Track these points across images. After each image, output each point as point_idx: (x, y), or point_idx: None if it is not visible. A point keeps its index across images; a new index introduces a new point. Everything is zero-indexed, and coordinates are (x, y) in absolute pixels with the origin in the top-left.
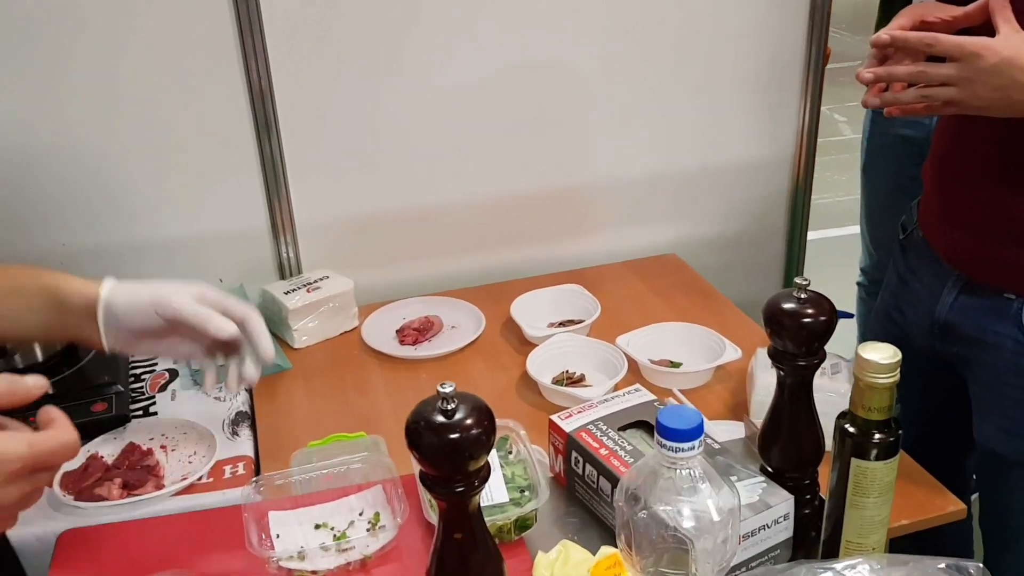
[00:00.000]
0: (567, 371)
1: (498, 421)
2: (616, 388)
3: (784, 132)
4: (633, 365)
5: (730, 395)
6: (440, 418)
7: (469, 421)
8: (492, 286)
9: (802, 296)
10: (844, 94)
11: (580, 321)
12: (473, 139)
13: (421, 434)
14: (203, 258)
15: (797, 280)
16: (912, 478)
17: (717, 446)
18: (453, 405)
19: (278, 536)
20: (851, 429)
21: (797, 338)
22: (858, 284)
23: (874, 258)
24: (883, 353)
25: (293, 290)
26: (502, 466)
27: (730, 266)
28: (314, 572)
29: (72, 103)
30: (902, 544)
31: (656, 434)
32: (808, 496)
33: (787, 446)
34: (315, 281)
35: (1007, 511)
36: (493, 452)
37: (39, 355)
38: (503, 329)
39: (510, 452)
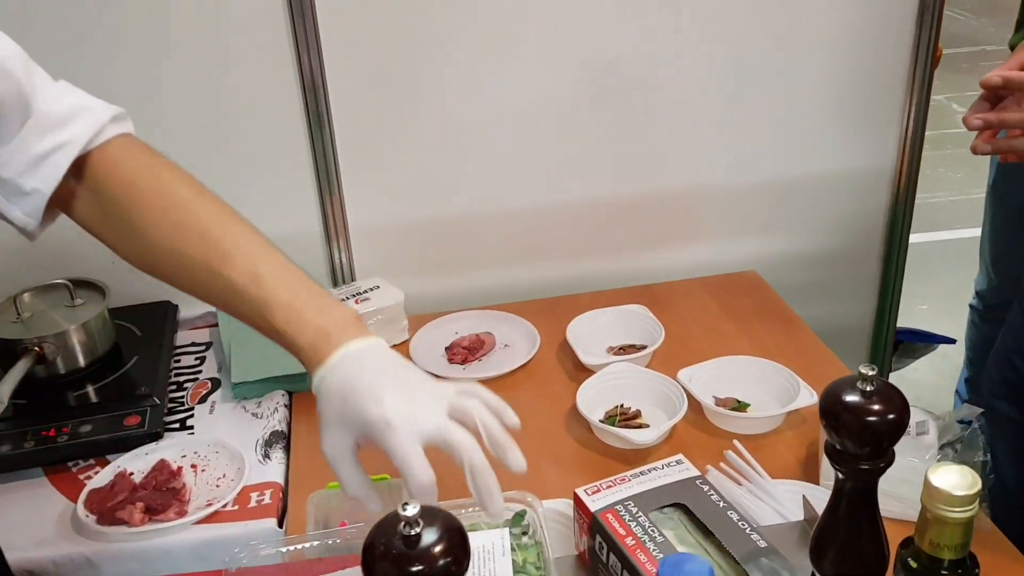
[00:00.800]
0: (621, 406)
1: (515, 493)
2: (674, 430)
3: (884, 142)
4: (695, 404)
5: (801, 445)
6: (401, 545)
7: (437, 549)
8: (552, 300)
9: (868, 388)
10: (963, 81)
11: (642, 347)
12: (536, 144)
13: (376, 564)
14: None
15: (862, 369)
16: (981, 539)
17: (764, 544)
18: (417, 529)
19: None
20: (914, 565)
21: (859, 439)
22: (971, 307)
23: (994, 283)
24: (960, 480)
25: (342, 299)
26: (514, 549)
27: (816, 286)
28: None
29: (119, 95)
30: None
31: None
32: None
33: (843, 558)
34: (365, 291)
35: None
36: (504, 532)
37: (81, 361)
38: (559, 351)
39: (525, 533)
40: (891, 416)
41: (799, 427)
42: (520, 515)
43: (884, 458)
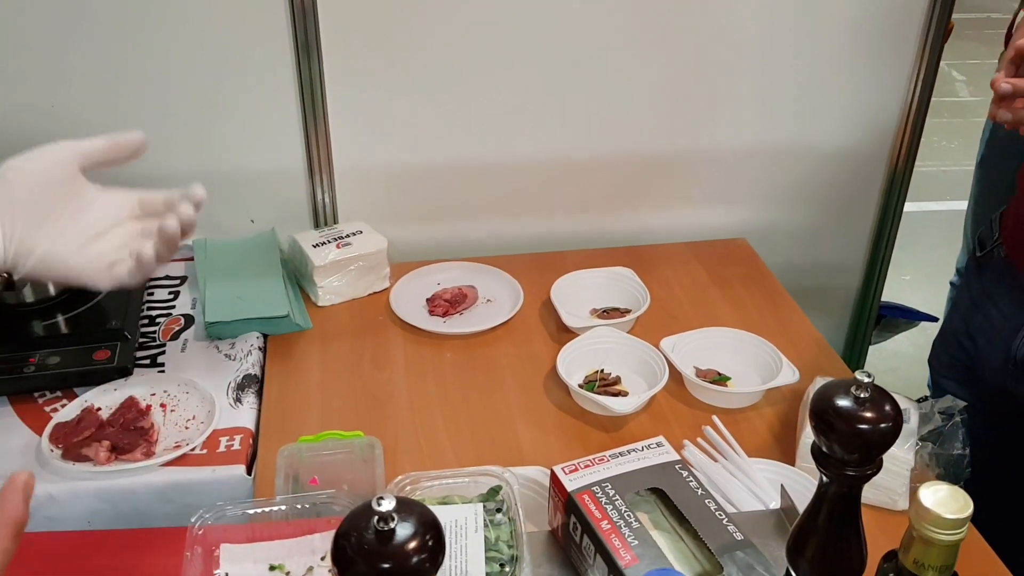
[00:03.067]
0: (601, 371)
1: (490, 468)
2: (653, 400)
3: (886, 113)
4: (676, 373)
5: (780, 423)
6: (373, 540)
7: (411, 545)
8: (538, 255)
9: (862, 395)
10: (966, 49)
11: (626, 311)
12: (532, 93)
13: (347, 557)
14: (235, 197)
15: (859, 375)
16: (967, 550)
17: (740, 537)
18: (392, 524)
19: (226, 574)
20: None
21: (849, 445)
22: (951, 284)
23: None
24: (951, 501)
25: (323, 243)
26: (486, 525)
27: (805, 256)
28: None
29: (100, 23)
30: None
31: None
32: None
33: (820, 561)
34: (347, 236)
35: None
36: (479, 507)
37: (51, 289)
38: (542, 309)
39: (499, 509)
40: (883, 425)
41: (779, 404)
42: (495, 490)
43: (872, 465)
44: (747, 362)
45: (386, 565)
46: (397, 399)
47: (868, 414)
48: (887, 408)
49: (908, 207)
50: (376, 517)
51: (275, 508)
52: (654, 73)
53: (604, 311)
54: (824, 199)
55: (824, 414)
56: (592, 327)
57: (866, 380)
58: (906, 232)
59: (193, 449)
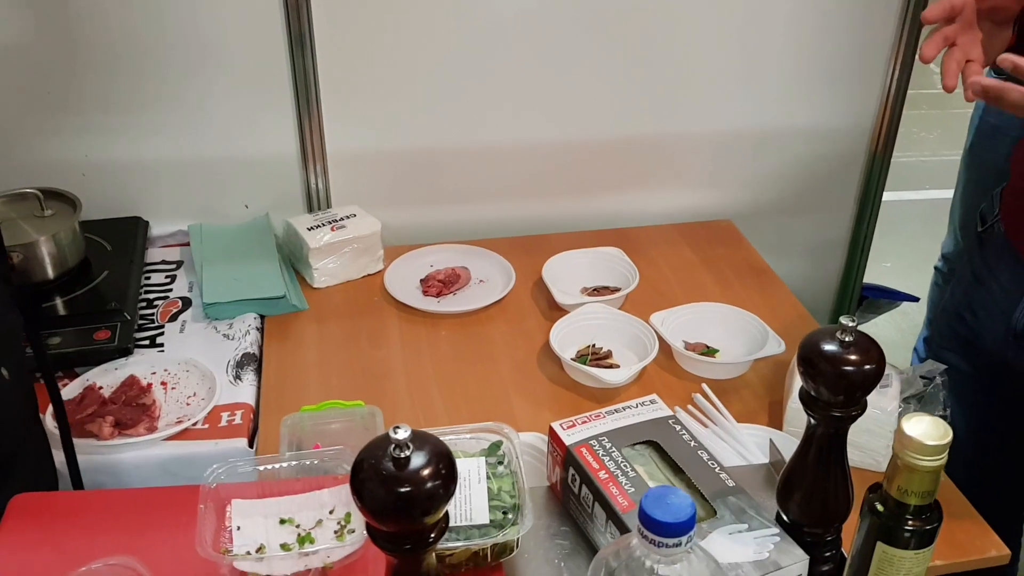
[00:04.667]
0: (593, 345)
1: (491, 424)
2: (644, 372)
3: (866, 98)
4: (665, 347)
5: (767, 391)
6: (390, 466)
7: (425, 472)
8: (529, 238)
9: (847, 339)
10: None
11: (616, 289)
12: (525, 79)
13: (365, 483)
14: (230, 181)
15: (843, 320)
16: (954, 512)
17: (732, 484)
18: (407, 452)
19: (239, 528)
20: (881, 509)
21: (835, 387)
22: (936, 268)
23: (960, 246)
24: (932, 431)
25: (317, 226)
26: (489, 477)
27: (789, 238)
28: None
29: (100, 12)
30: None
31: (639, 521)
32: (828, 553)
33: (809, 500)
34: (341, 219)
35: None
36: (481, 461)
37: (50, 272)
38: (533, 289)
39: (500, 462)
40: (867, 367)
41: (765, 374)
42: (496, 445)
43: (857, 407)
44: (734, 335)
45: (403, 490)
46: (394, 374)
47: (853, 356)
48: (870, 351)
49: (889, 196)
50: (393, 445)
51: (284, 464)
52: (639, 60)
53: (594, 289)
54: (807, 181)
55: (811, 358)
56: (583, 303)
57: (850, 324)
58: (887, 221)
59: (195, 424)
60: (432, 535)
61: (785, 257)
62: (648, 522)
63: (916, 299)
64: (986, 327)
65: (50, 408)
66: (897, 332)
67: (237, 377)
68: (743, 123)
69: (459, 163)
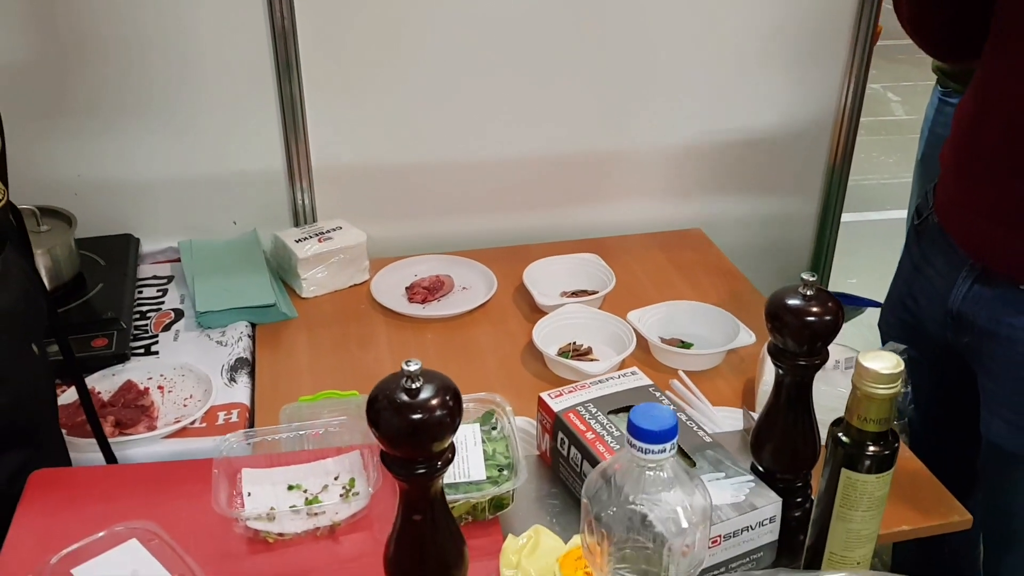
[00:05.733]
0: (574, 343)
1: (484, 395)
2: (623, 365)
3: (824, 108)
4: (643, 342)
5: (739, 381)
6: (403, 396)
7: (434, 401)
8: (509, 248)
9: (808, 293)
10: (900, 71)
11: (594, 292)
12: (503, 95)
13: (381, 412)
14: (218, 199)
15: (804, 275)
16: (918, 483)
17: (709, 439)
18: (418, 384)
19: (249, 494)
20: (844, 439)
21: (799, 337)
22: None
23: None
24: (885, 362)
25: (305, 238)
26: (484, 441)
27: (758, 245)
28: (280, 534)
29: (89, 33)
30: (905, 544)
31: (627, 432)
32: (799, 499)
33: (780, 447)
34: (328, 231)
35: (1010, 512)
36: (476, 427)
37: (47, 285)
38: (515, 294)
39: (494, 428)
40: (827, 318)
41: (738, 365)
42: (489, 414)
43: (819, 356)
44: (708, 329)
45: (415, 416)
46: (384, 373)
47: (814, 308)
48: (829, 304)
49: (852, 216)
50: (405, 378)
51: (290, 434)
52: (610, 76)
53: (573, 293)
54: (772, 188)
55: (777, 312)
56: (563, 304)
57: (811, 279)
58: (850, 240)
59: (193, 423)
60: (440, 463)
61: (753, 260)
62: (636, 432)
63: (879, 304)
64: (926, 312)
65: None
66: (862, 339)
67: (232, 379)
68: (706, 134)
69: (440, 177)
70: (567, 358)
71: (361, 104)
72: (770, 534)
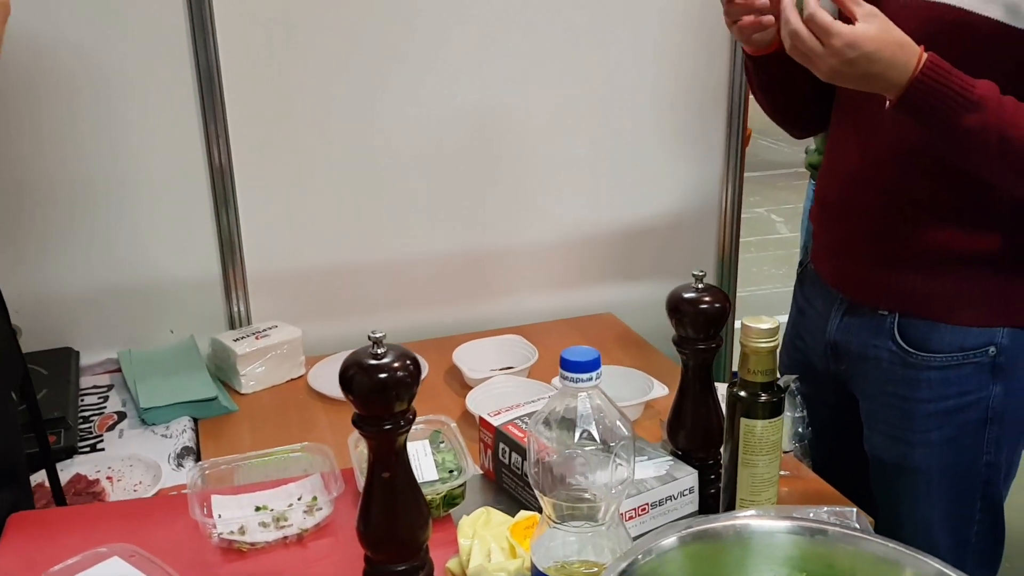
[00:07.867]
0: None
1: (432, 416)
2: None
3: (708, 199)
4: None
5: (656, 429)
6: (371, 360)
7: (396, 364)
8: (436, 340)
9: (700, 286)
10: (781, 197)
11: (521, 368)
12: (418, 198)
13: (353, 376)
14: (155, 308)
15: (694, 272)
16: (824, 497)
17: (628, 433)
18: (383, 350)
19: (220, 516)
20: (740, 393)
21: (696, 324)
22: None
23: None
24: (764, 322)
25: (242, 337)
26: (434, 454)
27: (666, 325)
28: (253, 544)
29: (39, 150)
30: None
31: (560, 368)
32: (713, 476)
33: (692, 426)
34: (264, 329)
35: (898, 521)
36: (426, 442)
37: None
38: (445, 376)
39: (442, 443)
40: (717, 305)
41: (653, 418)
42: (437, 432)
43: (715, 340)
44: (625, 388)
45: (382, 375)
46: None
47: (706, 298)
48: (718, 294)
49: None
50: (372, 344)
51: (253, 460)
52: (507, 176)
53: (501, 370)
54: (670, 272)
55: (676, 304)
56: (492, 376)
57: (700, 274)
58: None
59: None
60: (403, 421)
61: (663, 338)
62: (567, 364)
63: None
64: (811, 348)
65: None
66: None
67: (179, 464)
68: (609, 225)
69: (365, 277)
70: None
71: (292, 211)
72: (691, 504)
